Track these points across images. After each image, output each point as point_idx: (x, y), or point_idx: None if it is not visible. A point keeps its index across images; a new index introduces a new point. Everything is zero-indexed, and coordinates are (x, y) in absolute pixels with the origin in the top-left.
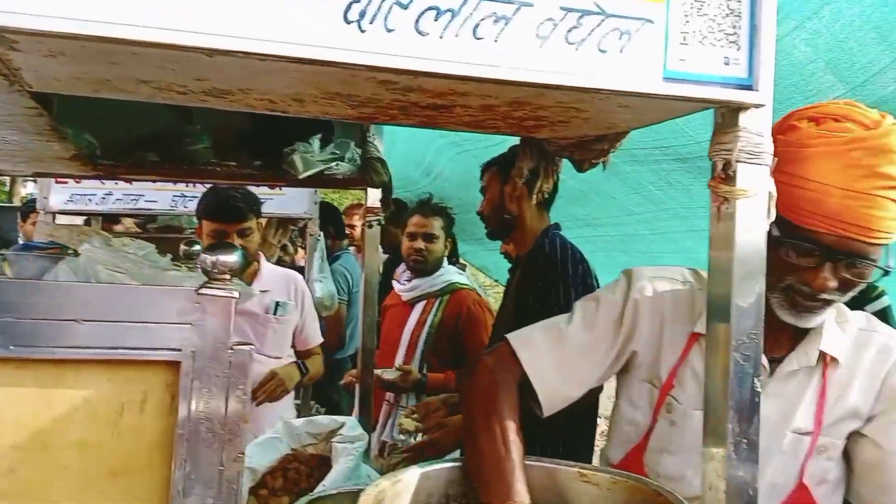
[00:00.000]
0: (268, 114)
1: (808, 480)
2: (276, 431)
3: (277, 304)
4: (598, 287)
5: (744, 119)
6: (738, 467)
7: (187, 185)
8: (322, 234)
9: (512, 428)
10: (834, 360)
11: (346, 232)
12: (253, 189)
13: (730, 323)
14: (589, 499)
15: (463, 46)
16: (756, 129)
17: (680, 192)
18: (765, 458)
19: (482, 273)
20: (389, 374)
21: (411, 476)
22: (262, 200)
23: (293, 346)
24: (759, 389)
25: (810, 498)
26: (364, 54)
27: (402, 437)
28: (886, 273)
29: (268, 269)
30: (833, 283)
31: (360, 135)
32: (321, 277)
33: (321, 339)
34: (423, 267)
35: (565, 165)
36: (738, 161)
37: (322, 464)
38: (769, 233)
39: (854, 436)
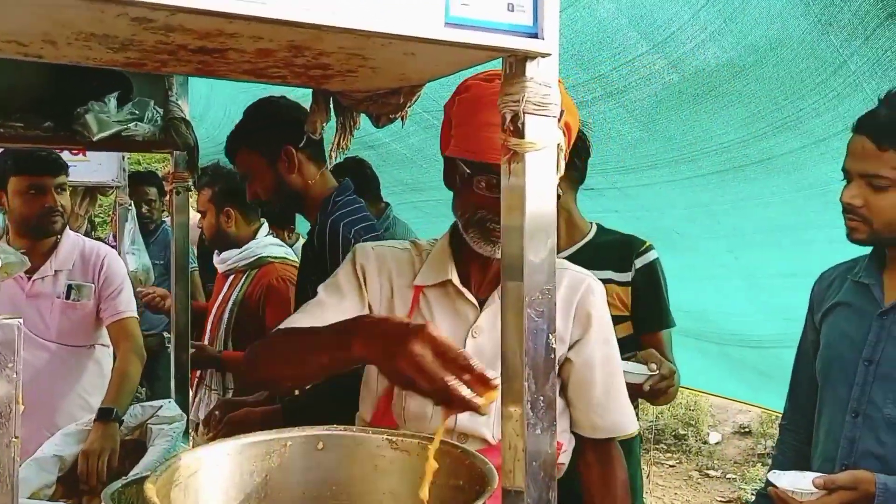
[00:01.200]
0: (62, 71)
1: None
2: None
3: (70, 286)
4: None
5: (531, 69)
6: (537, 425)
7: None
8: (133, 203)
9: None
10: None
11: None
12: None
13: (522, 279)
14: (399, 466)
15: None
16: (543, 79)
17: None
18: None
19: None
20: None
21: (214, 451)
22: None
23: (101, 319)
24: (553, 346)
25: None
26: None
27: None
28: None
29: (68, 246)
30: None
31: (162, 94)
32: (134, 250)
33: (133, 314)
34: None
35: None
36: (525, 113)
37: (139, 447)
38: (461, 174)
39: (563, 364)
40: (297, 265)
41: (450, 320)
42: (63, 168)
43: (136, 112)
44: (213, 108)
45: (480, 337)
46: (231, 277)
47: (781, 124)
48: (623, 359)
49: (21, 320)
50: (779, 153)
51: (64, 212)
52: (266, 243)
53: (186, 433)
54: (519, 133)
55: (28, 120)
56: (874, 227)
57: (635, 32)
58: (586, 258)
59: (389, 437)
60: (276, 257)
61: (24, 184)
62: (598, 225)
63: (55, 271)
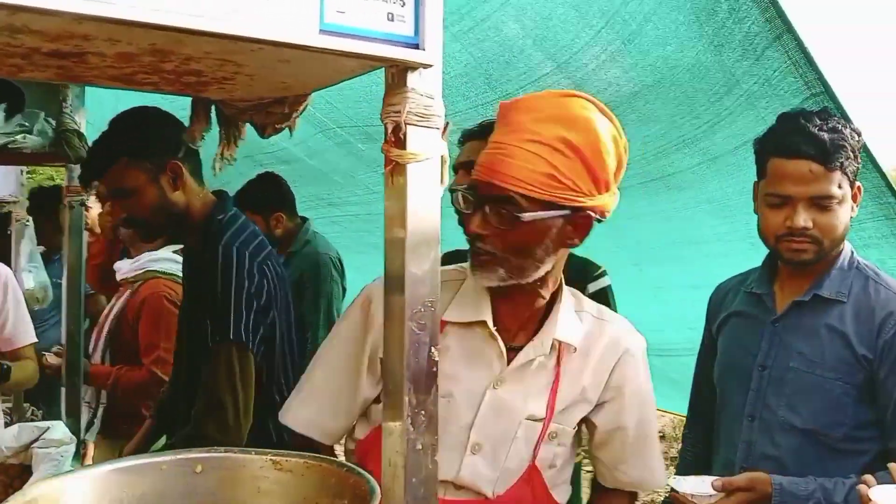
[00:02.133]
0: None
1: (540, 464)
2: None
3: None
4: (272, 309)
5: (412, 80)
6: (417, 441)
7: None
8: (31, 219)
9: None
10: (569, 346)
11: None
12: None
13: (404, 292)
14: (283, 488)
15: None
16: (425, 90)
17: None
18: (501, 444)
19: None
20: (52, 360)
21: (79, 478)
22: None
23: None
24: (436, 359)
25: (540, 479)
26: None
27: None
28: (517, 218)
29: None
30: (480, 227)
31: (56, 106)
32: (31, 267)
33: (33, 339)
34: None
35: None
36: (407, 123)
37: (23, 472)
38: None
39: (586, 421)
40: (177, 279)
41: (471, 366)
42: None
43: (26, 124)
44: None
45: (502, 389)
46: (121, 288)
47: (679, 142)
48: None
49: None
50: (677, 170)
51: None
52: (160, 257)
53: (77, 457)
54: (401, 144)
55: None
56: (823, 246)
57: (540, 53)
58: None
59: (273, 458)
60: (163, 272)
61: None
62: None
63: None
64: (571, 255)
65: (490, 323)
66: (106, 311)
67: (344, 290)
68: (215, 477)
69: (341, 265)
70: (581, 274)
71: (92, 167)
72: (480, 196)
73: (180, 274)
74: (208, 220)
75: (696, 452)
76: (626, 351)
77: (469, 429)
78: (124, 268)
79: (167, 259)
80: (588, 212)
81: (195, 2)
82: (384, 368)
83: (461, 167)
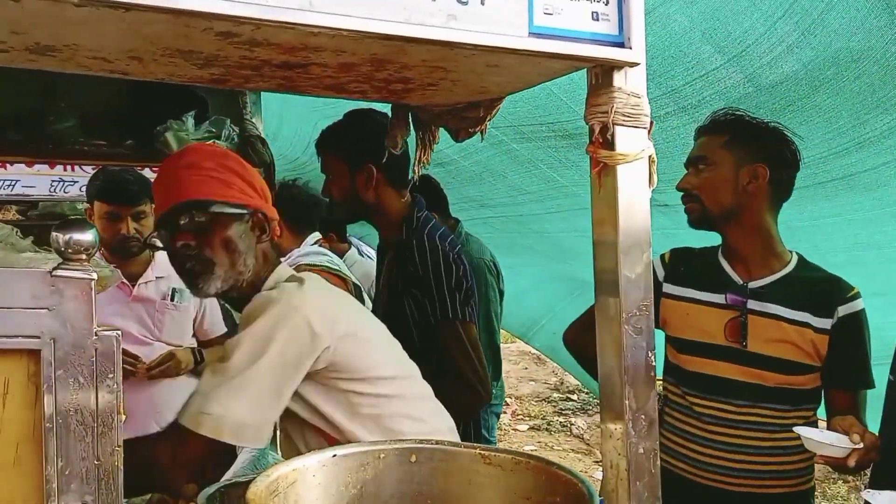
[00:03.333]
0: (142, 91)
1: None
2: None
3: (175, 290)
4: (474, 288)
5: (618, 79)
6: (639, 445)
7: (65, 169)
8: None
9: None
10: None
11: None
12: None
13: (619, 295)
14: (492, 481)
15: None
16: (632, 89)
17: (570, 168)
18: None
19: None
20: None
21: (310, 462)
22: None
23: (195, 335)
24: (653, 363)
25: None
26: None
27: None
28: None
29: (163, 255)
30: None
31: (237, 113)
32: None
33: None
34: None
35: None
36: (615, 124)
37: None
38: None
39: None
40: (340, 273)
41: None
42: (139, 198)
43: (213, 130)
44: (287, 126)
45: None
46: None
47: (863, 140)
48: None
49: (119, 332)
50: (860, 169)
51: (141, 236)
52: (307, 252)
53: (274, 440)
54: (609, 145)
55: (111, 138)
56: None
57: (709, 46)
58: (781, 293)
59: (482, 452)
60: (312, 265)
61: (102, 210)
62: (798, 256)
63: (157, 277)
64: (821, 268)
65: None
66: None
67: (501, 292)
68: (429, 467)
69: (496, 268)
70: (831, 292)
71: (318, 148)
72: None
73: (328, 265)
74: (409, 216)
75: (890, 467)
76: None
77: None
78: None
79: (315, 253)
80: None
81: (416, 11)
82: (600, 372)
83: (689, 163)
